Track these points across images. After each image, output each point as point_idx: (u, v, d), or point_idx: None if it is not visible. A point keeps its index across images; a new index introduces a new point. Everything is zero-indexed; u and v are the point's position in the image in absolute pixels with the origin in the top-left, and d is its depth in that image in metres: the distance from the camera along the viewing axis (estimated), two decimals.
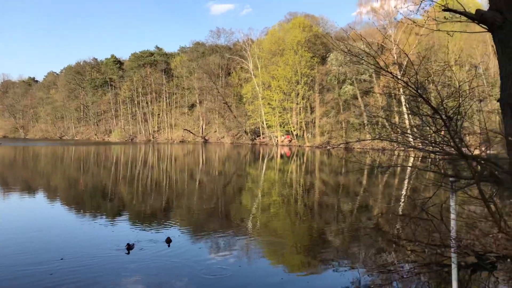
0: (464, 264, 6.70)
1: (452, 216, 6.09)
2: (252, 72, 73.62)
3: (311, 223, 13.55)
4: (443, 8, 7.10)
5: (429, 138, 6.65)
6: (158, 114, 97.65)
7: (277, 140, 69.33)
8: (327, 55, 65.16)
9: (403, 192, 20.68)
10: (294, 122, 66.10)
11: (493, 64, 40.46)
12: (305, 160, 43.43)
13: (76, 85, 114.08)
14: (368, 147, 47.31)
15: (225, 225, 13.16)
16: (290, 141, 68.26)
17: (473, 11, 6.79)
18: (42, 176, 27.89)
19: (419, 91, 6.26)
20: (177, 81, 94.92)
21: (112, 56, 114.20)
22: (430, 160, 7.39)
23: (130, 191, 21.01)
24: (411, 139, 7.90)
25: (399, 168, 25.89)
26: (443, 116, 6.06)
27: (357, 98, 58.39)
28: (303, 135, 65.93)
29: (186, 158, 48.24)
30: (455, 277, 6.09)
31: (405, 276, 7.84)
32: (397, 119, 48.96)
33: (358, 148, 49.92)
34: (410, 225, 7.90)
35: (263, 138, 73.55)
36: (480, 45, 44.51)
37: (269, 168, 34.39)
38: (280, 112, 66.85)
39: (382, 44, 51.41)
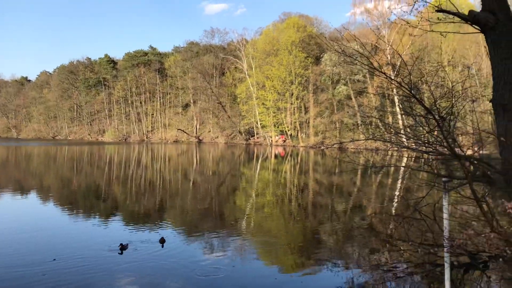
0: (457, 263, 6.74)
1: (445, 216, 6.12)
2: (246, 72, 73.60)
3: (305, 223, 13.57)
4: (436, 9, 7.14)
5: (423, 138, 6.67)
6: (152, 114, 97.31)
7: (271, 140, 69.37)
8: (321, 55, 65.30)
9: (397, 192, 20.77)
10: (288, 122, 66.17)
11: (486, 65, 40.73)
12: (299, 160, 43.48)
13: (69, 84, 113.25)
14: (361, 147, 47.45)
15: (219, 225, 13.14)
16: (284, 141, 68.31)
17: (466, 12, 6.84)
18: (34, 176, 27.69)
19: (412, 91, 6.28)
20: (171, 81, 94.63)
21: (106, 55, 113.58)
22: (423, 160, 7.41)
23: (123, 191, 20.92)
24: (405, 139, 7.92)
25: (392, 168, 26.02)
26: (436, 117, 6.08)
27: (351, 98, 58.55)
28: (297, 135, 66.02)
29: (180, 158, 48.11)
30: (448, 276, 6.12)
31: (398, 276, 7.87)
32: (390, 119, 49.15)
33: (352, 148, 50.06)
34: (403, 225, 7.93)
35: (257, 138, 73.53)
36: (473, 46, 44.81)
37: (263, 168, 34.40)
38: (274, 112, 66.88)
39: (376, 44, 51.52)
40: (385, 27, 53.55)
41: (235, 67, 79.79)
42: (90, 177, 27.22)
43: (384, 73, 6.95)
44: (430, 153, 6.63)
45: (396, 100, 45.53)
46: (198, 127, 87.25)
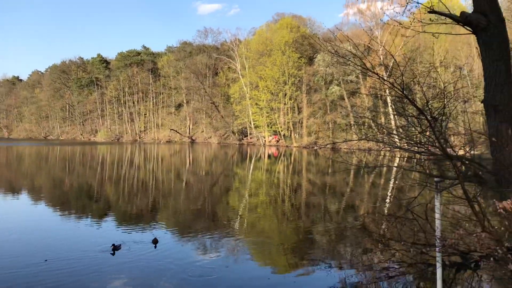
0: (448, 263, 6.79)
1: (437, 215, 6.17)
2: (239, 72, 73.55)
3: (298, 223, 13.58)
4: (428, 10, 7.20)
5: (415, 139, 6.72)
6: (144, 114, 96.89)
7: (265, 140, 69.38)
8: (315, 56, 65.45)
9: (389, 192, 20.86)
10: (281, 123, 66.22)
11: (477, 66, 41.02)
12: (292, 160, 43.54)
13: (61, 84, 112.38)
14: (354, 148, 47.65)
15: (212, 226, 13.11)
16: (277, 141, 68.34)
17: (458, 14, 6.90)
18: (26, 177, 27.45)
19: (404, 92, 6.32)
20: (164, 80, 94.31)
21: (98, 55, 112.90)
22: (415, 160, 7.46)
23: (116, 191, 20.81)
24: (397, 140, 7.97)
25: (385, 168, 26.16)
26: (429, 117, 6.12)
27: (344, 99, 58.77)
28: (290, 135, 66.09)
29: (173, 158, 47.96)
30: (440, 276, 6.16)
31: (391, 276, 7.91)
32: (383, 119, 49.36)
33: (344, 148, 50.23)
34: (395, 224, 7.98)
35: (251, 138, 73.49)
36: (465, 47, 45.12)
37: (257, 168, 34.39)
38: (267, 112, 66.90)
39: (369, 45, 51.67)
40: (378, 28, 53.81)
41: (229, 67, 79.69)
42: (82, 178, 27.05)
43: (377, 74, 6.99)
44: (422, 153, 6.68)
45: (388, 100, 45.75)
46: (191, 127, 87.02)
